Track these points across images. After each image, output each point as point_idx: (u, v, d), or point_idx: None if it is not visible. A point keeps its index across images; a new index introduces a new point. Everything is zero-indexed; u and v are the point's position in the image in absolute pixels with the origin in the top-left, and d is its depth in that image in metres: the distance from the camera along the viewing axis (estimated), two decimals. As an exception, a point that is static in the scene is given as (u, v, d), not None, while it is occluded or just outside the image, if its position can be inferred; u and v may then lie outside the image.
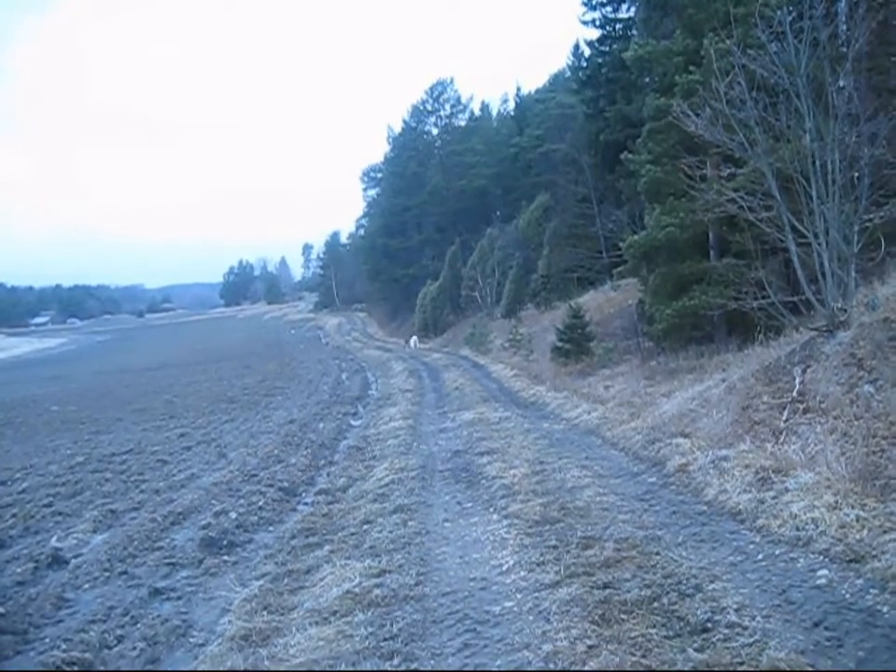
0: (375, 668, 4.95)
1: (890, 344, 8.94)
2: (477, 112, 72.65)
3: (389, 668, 4.98)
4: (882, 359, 8.85)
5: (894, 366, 8.63)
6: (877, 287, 11.39)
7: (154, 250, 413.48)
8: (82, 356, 76.64)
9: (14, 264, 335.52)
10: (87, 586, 8.04)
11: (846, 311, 10.22)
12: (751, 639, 4.65)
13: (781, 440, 9.01)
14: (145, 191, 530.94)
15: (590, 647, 4.80)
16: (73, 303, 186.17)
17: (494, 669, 4.64)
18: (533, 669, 4.53)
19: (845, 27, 13.49)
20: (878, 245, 11.25)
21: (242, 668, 5.28)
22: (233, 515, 10.22)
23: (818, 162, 10.71)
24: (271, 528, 9.99)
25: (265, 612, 6.56)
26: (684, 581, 5.72)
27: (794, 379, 9.91)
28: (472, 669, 4.70)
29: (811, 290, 11.06)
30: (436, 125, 70.66)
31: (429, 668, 4.95)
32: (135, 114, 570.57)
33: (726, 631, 4.81)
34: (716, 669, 4.36)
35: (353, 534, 8.63)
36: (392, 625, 5.68)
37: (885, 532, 5.78)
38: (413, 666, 4.98)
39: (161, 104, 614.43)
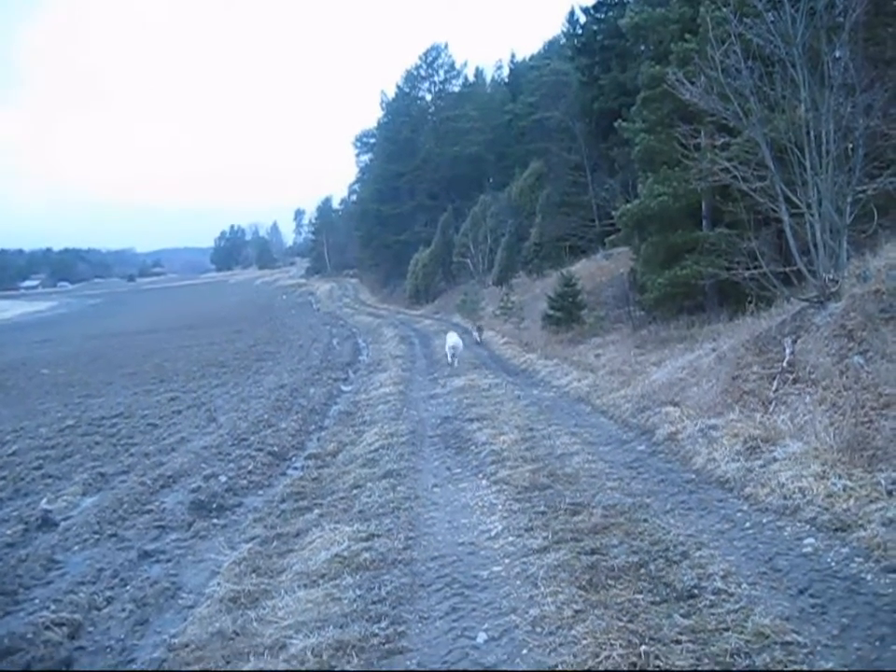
0: (363, 631, 4.97)
1: (881, 316, 8.95)
2: (471, 78, 71.51)
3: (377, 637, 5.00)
4: (872, 331, 8.87)
5: (884, 337, 8.65)
6: (869, 259, 11.35)
7: (145, 214, 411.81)
8: (73, 319, 76.10)
9: (4, 227, 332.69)
10: (76, 548, 8.08)
11: (837, 282, 10.22)
12: (737, 606, 4.70)
13: (770, 409, 9.05)
14: (137, 156, 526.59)
15: (577, 612, 4.84)
16: (63, 267, 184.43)
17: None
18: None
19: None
20: (871, 217, 11.24)
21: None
22: (223, 479, 10.26)
23: (812, 133, 10.67)
24: (260, 492, 10.03)
25: (254, 575, 6.60)
26: (671, 548, 5.76)
27: (784, 349, 9.94)
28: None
29: (803, 261, 11.06)
30: (429, 91, 69.69)
31: (419, 647, 4.94)
32: (126, 79, 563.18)
33: (712, 597, 4.86)
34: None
35: (342, 498, 8.67)
36: (380, 589, 5.72)
37: (871, 502, 5.83)
38: (400, 629, 5.02)
39: (150, 69, 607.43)
